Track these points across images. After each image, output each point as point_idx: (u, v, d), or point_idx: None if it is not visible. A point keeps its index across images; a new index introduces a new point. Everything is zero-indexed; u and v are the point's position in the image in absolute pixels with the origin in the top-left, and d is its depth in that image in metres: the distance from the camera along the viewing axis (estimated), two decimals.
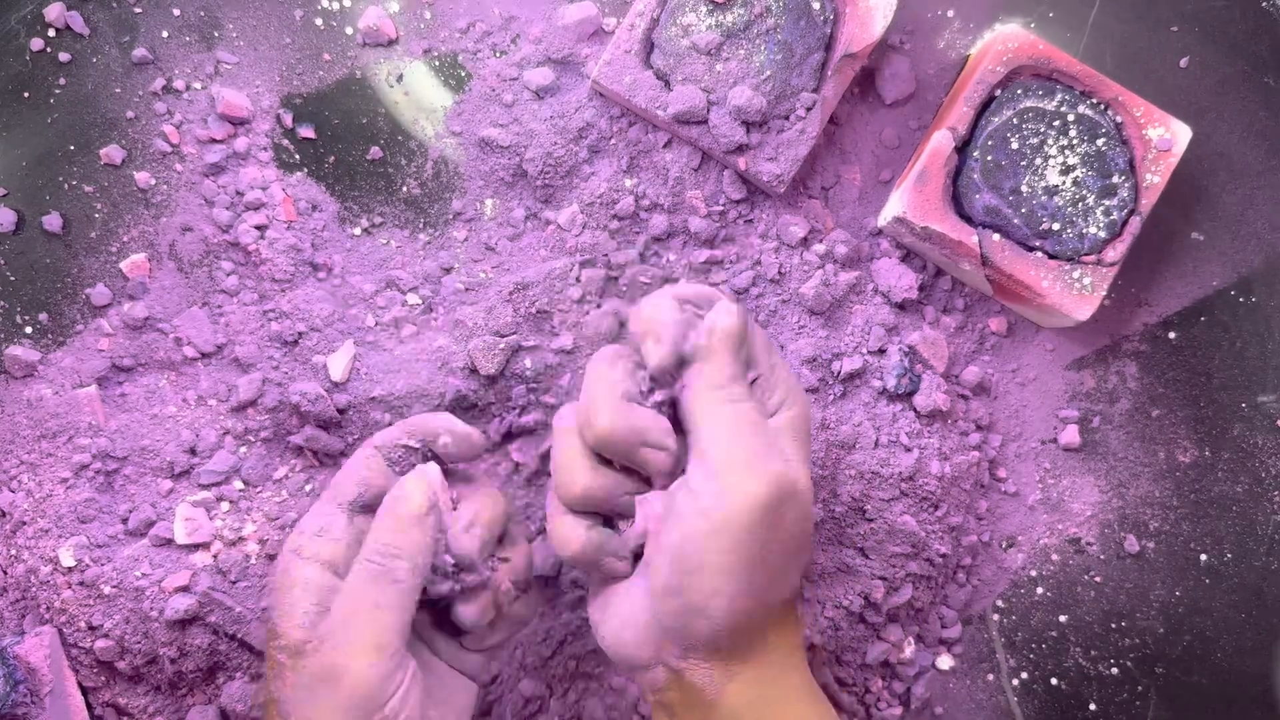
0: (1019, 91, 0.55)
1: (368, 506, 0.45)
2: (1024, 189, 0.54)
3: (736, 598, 0.40)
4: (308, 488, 0.53)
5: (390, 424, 0.53)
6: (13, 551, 0.52)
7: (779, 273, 0.55)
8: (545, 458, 0.54)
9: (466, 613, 0.45)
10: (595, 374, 0.43)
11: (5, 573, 0.52)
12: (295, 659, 0.42)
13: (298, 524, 0.45)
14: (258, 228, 0.54)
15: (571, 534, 0.44)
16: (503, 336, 0.54)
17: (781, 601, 0.42)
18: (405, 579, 0.42)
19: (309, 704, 0.41)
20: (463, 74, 0.56)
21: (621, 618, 0.43)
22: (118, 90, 0.55)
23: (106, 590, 0.50)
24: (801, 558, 0.42)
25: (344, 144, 0.56)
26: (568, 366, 0.54)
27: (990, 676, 0.57)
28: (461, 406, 0.53)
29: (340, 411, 0.53)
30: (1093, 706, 0.57)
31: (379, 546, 0.43)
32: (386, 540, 0.43)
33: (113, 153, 0.54)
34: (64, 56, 0.54)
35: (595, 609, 0.45)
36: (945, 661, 0.57)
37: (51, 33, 0.54)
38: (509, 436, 0.54)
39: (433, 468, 0.45)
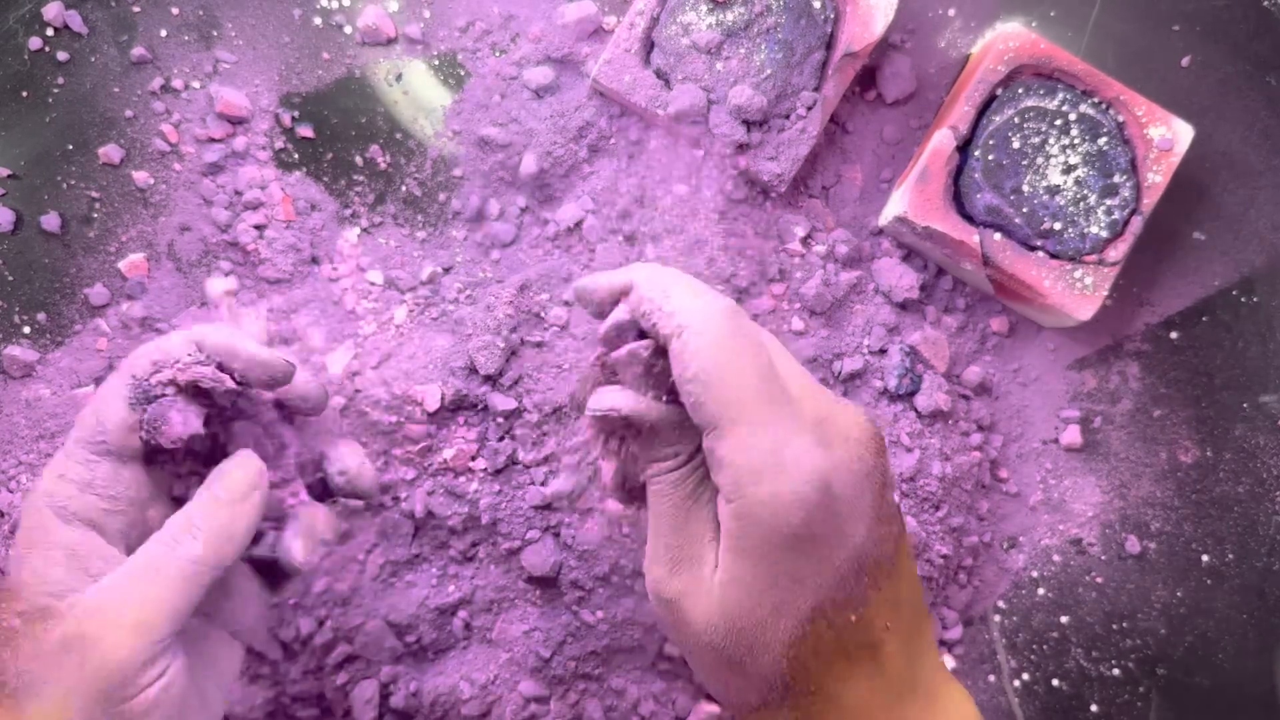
0: (1020, 90, 0.54)
1: (126, 454, 0.39)
2: (1025, 188, 0.54)
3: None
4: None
5: (390, 424, 0.53)
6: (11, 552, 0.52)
7: (779, 272, 0.55)
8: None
9: (294, 551, 0.41)
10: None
11: (4, 573, 0.52)
12: (35, 624, 0.36)
13: (50, 464, 0.39)
14: (256, 227, 0.54)
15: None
16: (503, 336, 0.53)
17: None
18: (196, 559, 0.37)
19: (45, 679, 0.35)
20: (462, 73, 0.56)
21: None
22: (116, 90, 0.54)
23: None
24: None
25: (343, 143, 0.56)
26: (567, 366, 0.54)
27: (991, 678, 0.57)
28: (461, 406, 0.53)
29: (339, 411, 0.52)
30: (1094, 708, 0.57)
31: (180, 520, 0.38)
32: (190, 515, 0.38)
33: (111, 152, 0.54)
34: (62, 56, 0.54)
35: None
36: (947, 662, 0.57)
37: (50, 32, 0.54)
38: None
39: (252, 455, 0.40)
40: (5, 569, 0.37)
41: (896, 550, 0.36)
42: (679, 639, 0.38)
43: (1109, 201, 0.54)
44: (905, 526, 0.37)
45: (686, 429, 0.37)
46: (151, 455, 0.40)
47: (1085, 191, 0.54)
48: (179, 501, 0.41)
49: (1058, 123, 0.54)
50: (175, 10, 0.55)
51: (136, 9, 0.55)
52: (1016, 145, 0.54)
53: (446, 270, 0.55)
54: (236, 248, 0.54)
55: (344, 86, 0.56)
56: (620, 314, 0.38)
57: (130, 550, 0.38)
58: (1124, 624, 0.58)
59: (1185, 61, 0.59)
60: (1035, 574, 0.58)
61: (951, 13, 0.58)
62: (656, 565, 0.37)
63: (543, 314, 0.54)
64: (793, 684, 0.36)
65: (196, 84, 0.55)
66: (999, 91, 0.55)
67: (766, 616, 0.35)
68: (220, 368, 0.40)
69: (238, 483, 0.39)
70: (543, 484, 0.53)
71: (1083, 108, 0.54)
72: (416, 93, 0.56)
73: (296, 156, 0.55)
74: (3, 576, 0.38)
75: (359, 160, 0.55)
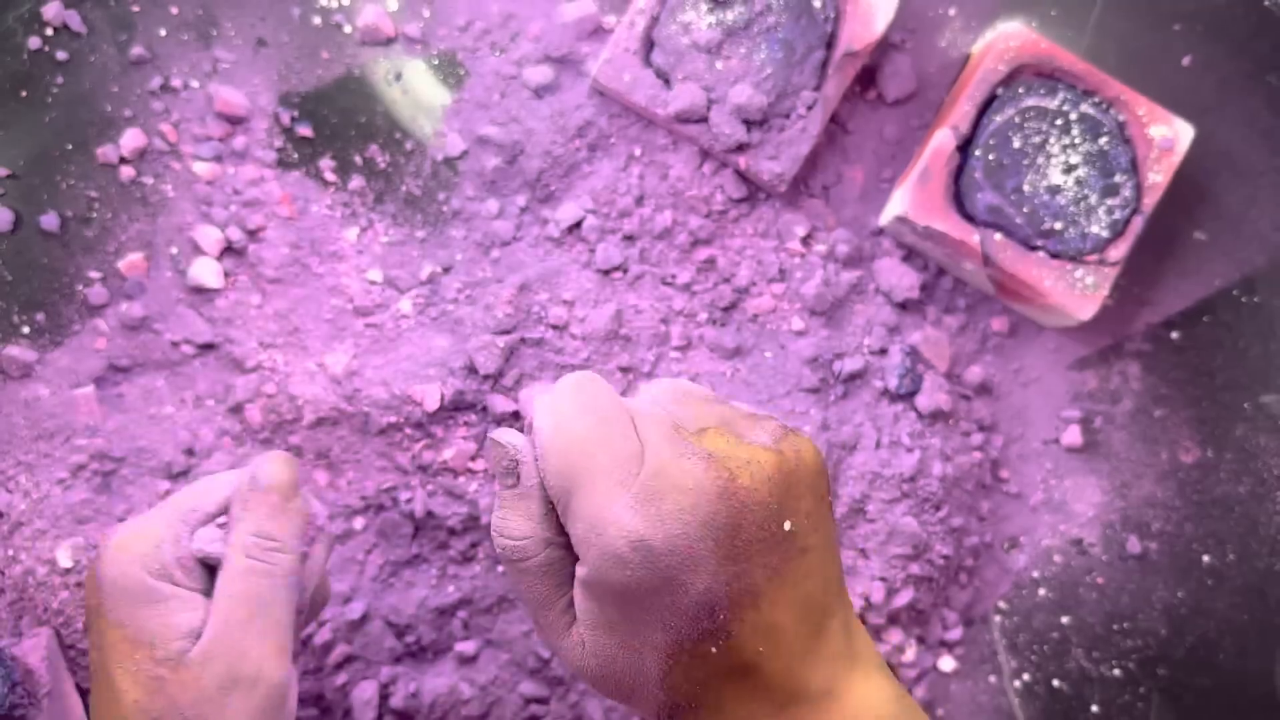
0: (1021, 90, 0.54)
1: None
2: (1026, 188, 0.54)
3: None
4: (304, 488, 0.53)
5: (390, 424, 0.53)
6: (10, 553, 0.52)
7: (779, 272, 0.55)
8: None
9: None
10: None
11: (3, 574, 0.52)
12: (181, 671, 0.39)
13: (140, 530, 0.42)
14: (255, 227, 0.54)
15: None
16: (502, 336, 0.53)
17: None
18: (287, 571, 0.40)
19: (218, 716, 0.39)
20: (461, 72, 0.56)
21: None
22: (115, 89, 0.54)
23: None
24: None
25: (342, 142, 0.55)
26: (567, 366, 0.54)
27: (992, 678, 0.57)
28: (461, 406, 0.53)
29: (339, 411, 0.52)
30: (1095, 708, 0.57)
31: (255, 539, 0.40)
32: (265, 529, 0.40)
33: (110, 152, 0.54)
34: (61, 55, 0.54)
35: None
36: (947, 663, 0.57)
37: (49, 31, 0.54)
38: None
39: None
40: (120, 623, 0.40)
41: (768, 580, 0.37)
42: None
43: (1110, 201, 0.54)
44: (795, 554, 0.38)
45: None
46: None
47: (1086, 191, 0.54)
48: None
49: (1059, 122, 0.54)
50: (174, 9, 0.55)
51: (135, 8, 0.55)
52: (1017, 145, 0.54)
53: (446, 270, 0.55)
54: (235, 247, 0.54)
55: (343, 86, 0.56)
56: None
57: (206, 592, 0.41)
58: (1125, 624, 0.57)
59: (1186, 61, 0.59)
60: (1036, 574, 0.58)
61: (952, 12, 0.58)
62: (544, 630, 0.40)
63: (543, 314, 0.54)
64: (676, 708, 0.38)
65: (195, 83, 0.55)
66: (1000, 91, 0.55)
67: (633, 657, 0.37)
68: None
69: (285, 484, 0.42)
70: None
71: (1084, 107, 0.54)
72: (416, 92, 0.56)
73: (296, 156, 0.55)
74: (120, 629, 0.40)
75: (358, 160, 0.55)
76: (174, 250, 0.54)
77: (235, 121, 0.54)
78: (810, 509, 0.38)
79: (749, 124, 0.53)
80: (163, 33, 0.55)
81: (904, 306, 0.56)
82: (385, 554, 0.52)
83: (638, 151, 0.55)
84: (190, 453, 0.52)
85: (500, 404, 0.53)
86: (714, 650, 0.36)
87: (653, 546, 0.35)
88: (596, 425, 0.37)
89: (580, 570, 0.37)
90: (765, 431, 0.39)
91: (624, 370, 0.54)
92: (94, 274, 0.53)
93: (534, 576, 0.39)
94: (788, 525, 0.37)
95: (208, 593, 0.41)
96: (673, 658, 0.36)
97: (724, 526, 0.36)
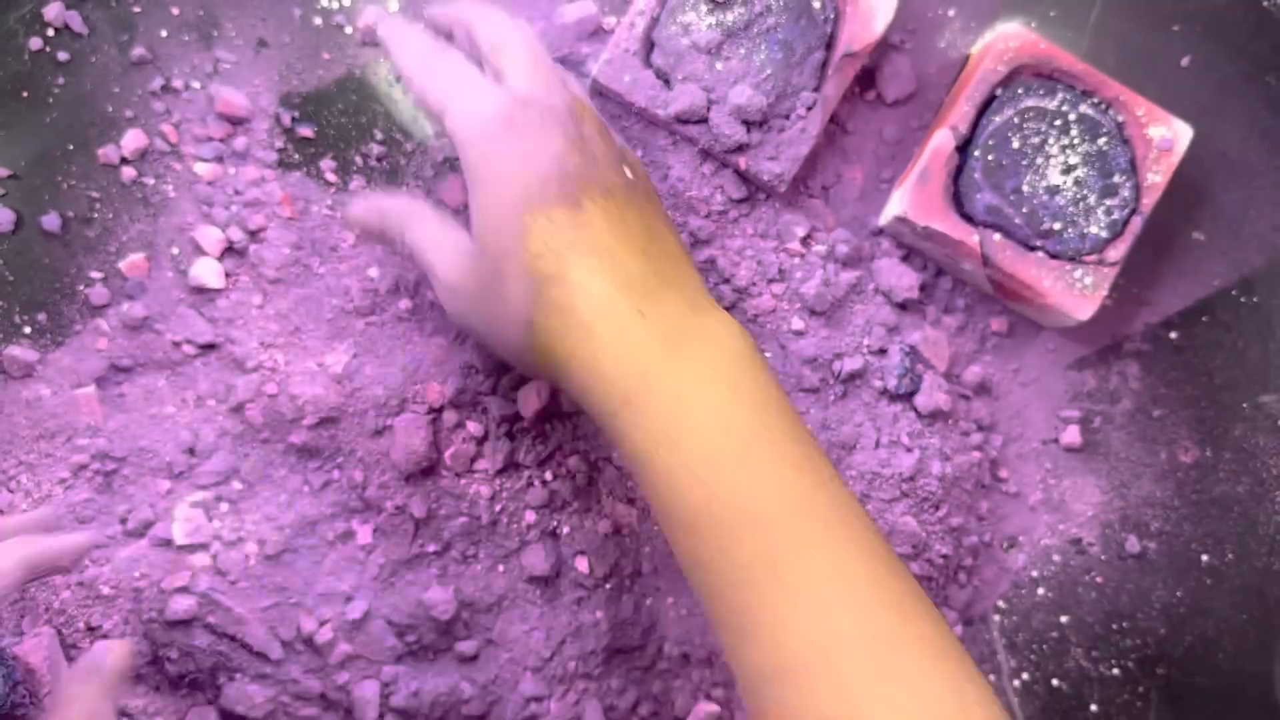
0: (1020, 91, 0.55)
1: None
2: (1025, 188, 0.54)
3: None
4: (305, 488, 0.53)
5: (388, 426, 0.53)
6: None
7: (779, 272, 0.55)
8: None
9: None
10: None
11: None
12: None
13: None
14: (257, 227, 0.54)
15: None
16: None
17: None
18: None
19: None
20: None
21: None
22: (116, 90, 0.54)
23: (105, 591, 0.50)
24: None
25: (343, 143, 0.56)
26: None
27: (991, 677, 0.57)
28: (461, 406, 0.53)
29: (340, 411, 0.52)
30: (1094, 707, 0.57)
31: None
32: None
33: (111, 152, 0.54)
34: (63, 56, 0.54)
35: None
36: None
37: (50, 32, 0.54)
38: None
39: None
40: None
41: (622, 189, 0.45)
42: (465, 319, 0.47)
43: (1109, 201, 0.54)
44: (646, 185, 0.47)
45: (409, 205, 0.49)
46: None
47: (1085, 191, 0.54)
48: None
49: (1058, 123, 0.54)
50: (175, 10, 0.55)
51: (137, 9, 0.55)
52: (1016, 145, 0.54)
53: None
54: (236, 248, 0.54)
55: (344, 87, 0.56)
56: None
57: None
58: (1124, 624, 0.58)
59: (1185, 62, 0.59)
60: (1035, 574, 0.58)
61: (951, 13, 0.58)
62: (436, 270, 0.47)
63: None
64: (536, 271, 0.43)
65: (196, 84, 0.55)
66: (999, 92, 0.55)
67: (502, 221, 0.43)
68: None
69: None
70: (543, 483, 0.53)
71: (1083, 108, 0.54)
72: None
73: (297, 157, 0.55)
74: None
75: (359, 160, 0.55)
76: (175, 250, 0.54)
77: (236, 122, 0.55)
78: (640, 167, 0.48)
79: (749, 125, 0.53)
80: (164, 34, 0.55)
81: (903, 306, 0.56)
82: (386, 554, 0.52)
83: (638, 152, 0.55)
84: (191, 452, 0.52)
85: (499, 406, 0.53)
86: (566, 216, 0.43)
87: (528, 103, 0.44)
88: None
89: (456, 140, 0.45)
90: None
91: None
92: (95, 274, 0.54)
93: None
94: (624, 168, 0.46)
95: None
96: (529, 214, 0.43)
97: (574, 115, 0.45)
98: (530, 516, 0.54)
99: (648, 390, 0.41)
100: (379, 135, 0.56)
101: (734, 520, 0.40)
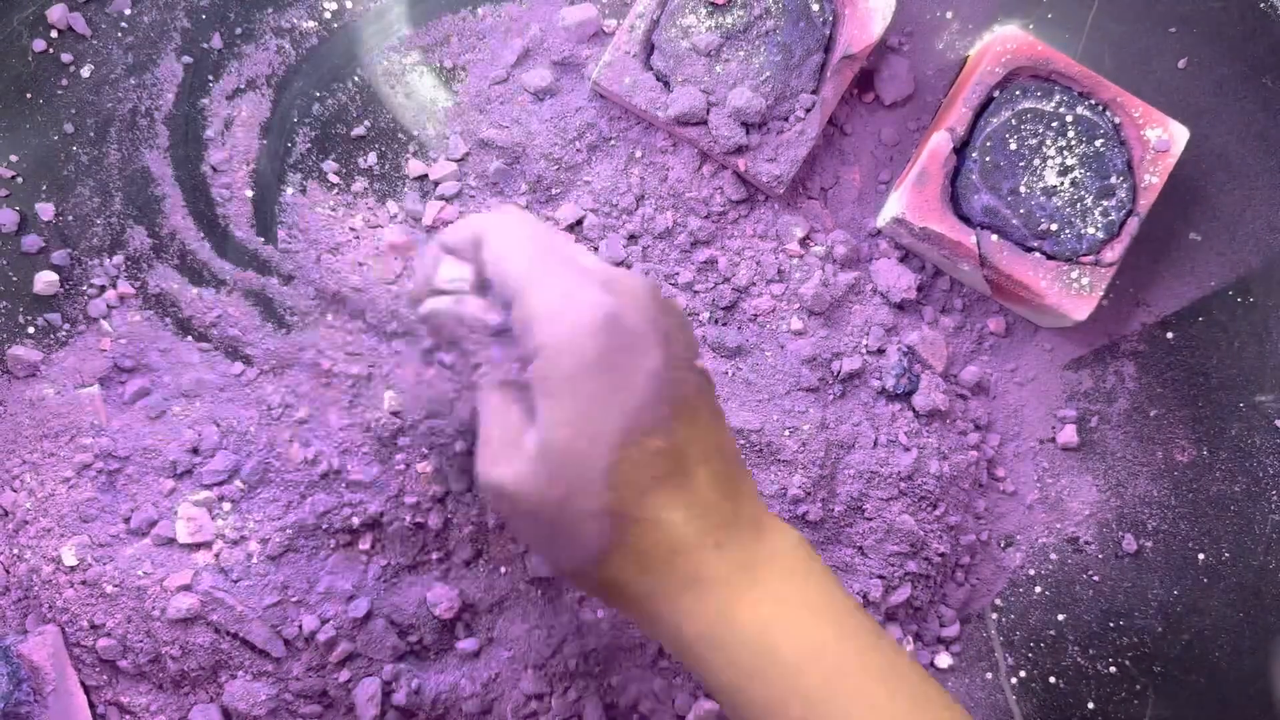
0: (1017, 93, 0.55)
1: None
2: (1022, 190, 0.54)
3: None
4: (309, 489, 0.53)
5: (398, 429, 0.53)
6: (15, 551, 0.52)
7: (778, 273, 0.56)
8: None
9: None
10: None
11: (8, 572, 0.52)
12: None
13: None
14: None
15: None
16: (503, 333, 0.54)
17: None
18: None
19: None
20: (464, 75, 0.56)
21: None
22: (119, 91, 0.55)
23: (109, 589, 0.51)
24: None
25: (344, 145, 0.56)
26: None
27: (989, 675, 0.58)
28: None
29: None
30: (1091, 705, 0.57)
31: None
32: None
33: (114, 153, 0.54)
34: (66, 57, 0.54)
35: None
36: (944, 660, 0.57)
37: (54, 34, 0.55)
38: None
39: None
40: None
41: (699, 398, 0.40)
42: (514, 523, 0.42)
43: (1105, 203, 0.54)
44: (713, 387, 0.42)
45: (502, 337, 0.41)
46: None
47: (1082, 193, 0.54)
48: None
49: (1054, 124, 0.54)
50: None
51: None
52: (1014, 147, 0.54)
53: None
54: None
55: (346, 89, 0.56)
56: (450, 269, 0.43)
57: None
58: (1120, 622, 0.58)
59: (1182, 63, 0.59)
60: (1032, 572, 0.58)
61: (949, 15, 0.59)
62: (484, 461, 0.40)
63: None
64: (617, 512, 0.39)
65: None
66: (996, 94, 0.55)
67: (584, 448, 0.38)
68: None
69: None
70: None
71: (1079, 110, 0.55)
72: (419, 95, 0.56)
73: (298, 158, 0.55)
74: None
75: (360, 162, 0.56)
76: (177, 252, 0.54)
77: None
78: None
79: (748, 127, 0.54)
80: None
81: (901, 307, 0.57)
82: (389, 555, 0.52)
83: (638, 154, 0.55)
84: (195, 452, 0.52)
85: None
86: (660, 444, 0.39)
87: (624, 323, 0.38)
88: (545, 233, 0.41)
89: (542, 357, 0.38)
90: None
91: None
92: (99, 275, 0.54)
93: (499, 391, 0.41)
94: (698, 364, 0.41)
95: None
96: (620, 448, 0.38)
97: (663, 327, 0.40)
98: None
99: (729, 626, 0.40)
100: (381, 137, 0.56)
101: None
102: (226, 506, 0.52)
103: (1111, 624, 0.58)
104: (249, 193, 0.55)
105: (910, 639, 0.57)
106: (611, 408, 0.38)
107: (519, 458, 0.39)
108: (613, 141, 0.55)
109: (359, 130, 0.56)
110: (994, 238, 0.54)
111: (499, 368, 0.41)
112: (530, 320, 0.39)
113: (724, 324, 0.56)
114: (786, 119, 0.54)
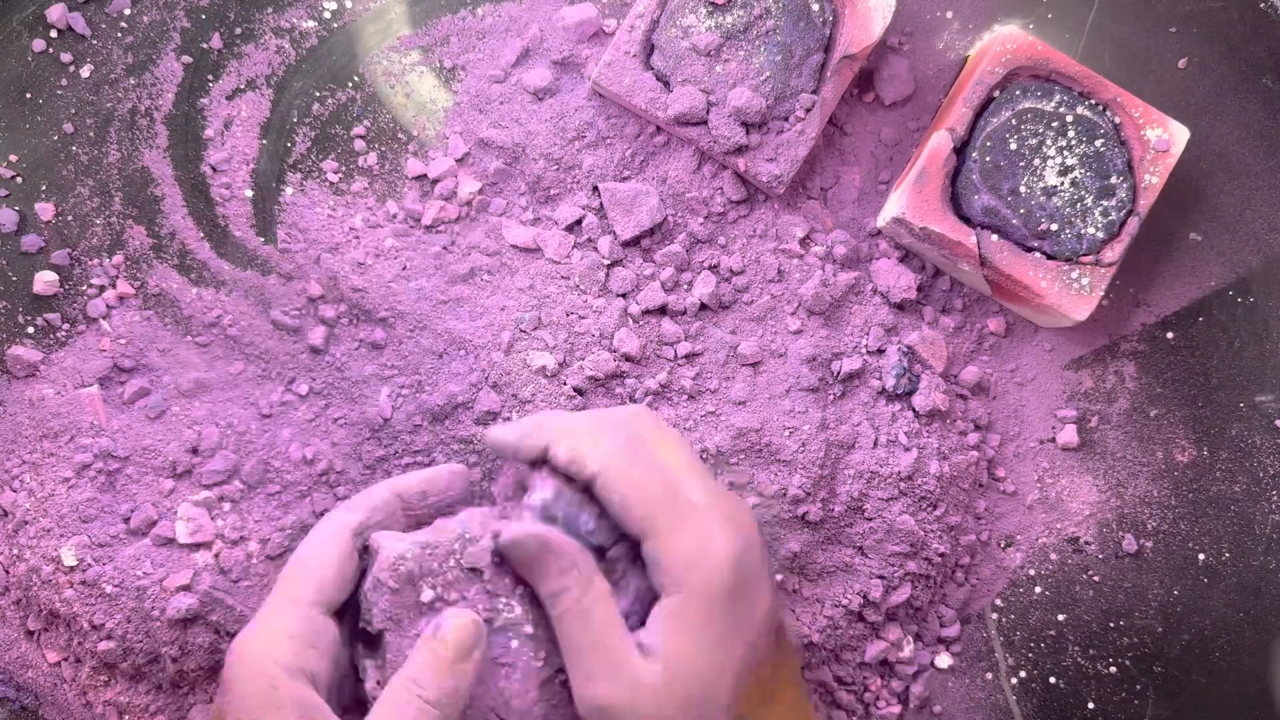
0: (1017, 93, 0.55)
1: (334, 607, 0.41)
2: (1022, 190, 0.54)
3: None
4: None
5: (393, 432, 0.53)
6: (15, 551, 0.52)
7: (778, 273, 0.56)
8: None
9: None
10: None
11: (7, 572, 0.52)
12: None
13: (266, 622, 0.40)
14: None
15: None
16: (505, 332, 0.54)
17: None
18: None
19: None
20: (463, 75, 0.56)
21: None
22: (119, 91, 0.55)
23: (108, 589, 0.51)
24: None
25: (344, 145, 0.56)
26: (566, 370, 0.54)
27: (989, 675, 0.58)
28: (463, 406, 0.54)
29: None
30: (1091, 705, 0.58)
31: (410, 688, 0.39)
32: (418, 679, 0.39)
33: (113, 153, 0.54)
34: (66, 57, 0.54)
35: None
36: (944, 660, 0.58)
37: (53, 34, 0.55)
38: None
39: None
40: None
41: (781, 616, 0.44)
42: None
43: (1106, 203, 0.54)
44: (782, 602, 0.46)
45: (580, 556, 0.42)
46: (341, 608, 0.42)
47: (1082, 193, 0.54)
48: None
49: (1055, 124, 0.54)
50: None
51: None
52: (1014, 147, 0.54)
53: None
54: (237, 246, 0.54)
55: (345, 89, 0.56)
56: (545, 491, 0.43)
57: (330, 700, 0.40)
58: (1121, 622, 0.58)
59: (1182, 63, 0.59)
60: (1032, 572, 0.58)
61: (949, 15, 0.59)
62: (586, 684, 0.40)
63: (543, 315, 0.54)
64: None
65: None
66: (996, 93, 0.55)
67: (713, 678, 0.40)
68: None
69: (463, 642, 0.40)
70: None
71: (1080, 109, 0.55)
72: (418, 94, 0.56)
73: (297, 158, 0.55)
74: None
75: (361, 162, 0.56)
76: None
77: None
78: None
79: (748, 127, 0.54)
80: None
81: (901, 307, 0.57)
82: None
83: (637, 155, 0.55)
84: (194, 452, 0.52)
85: (488, 400, 0.53)
86: (769, 672, 0.42)
87: (744, 563, 0.41)
88: (660, 470, 0.42)
89: (671, 600, 0.40)
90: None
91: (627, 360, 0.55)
92: (98, 275, 0.54)
93: (586, 616, 0.41)
94: (779, 578, 0.45)
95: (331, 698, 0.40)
96: (742, 676, 0.41)
97: (768, 559, 0.43)
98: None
99: None
100: (381, 137, 0.56)
101: None
102: (226, 506, 0.52)
103: (1111, 624, 0.58)
104: (248, 192, 0.55)
105: (910, 639, 0.57)
106: (737, 642, 0.41)
107: (631, 684, 0.40)
108: (612, 142, 0.55)
109: (359, 130, 0.56)
110: (994, 238, 0.54)
111: (588, 591, 0.41)
112: (668, 562, 0.41)
113: (723, 324, 0.56)
114: (786, 119, 0.54)
